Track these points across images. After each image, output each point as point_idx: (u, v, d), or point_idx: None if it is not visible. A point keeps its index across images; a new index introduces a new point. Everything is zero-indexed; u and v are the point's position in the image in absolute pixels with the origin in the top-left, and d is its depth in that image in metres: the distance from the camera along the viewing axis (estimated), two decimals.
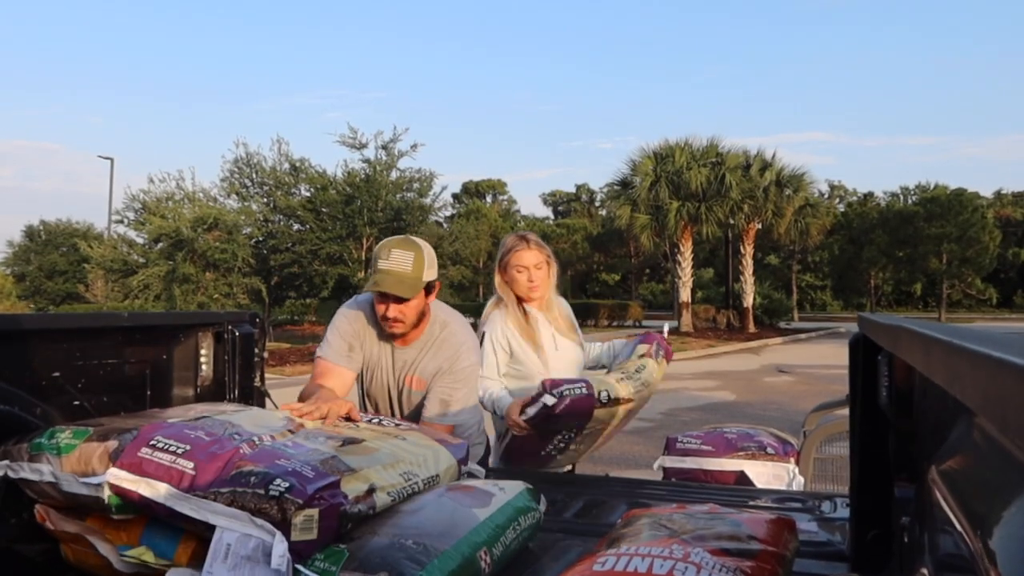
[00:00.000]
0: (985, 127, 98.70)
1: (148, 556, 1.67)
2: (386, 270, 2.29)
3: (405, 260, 2.29)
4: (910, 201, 49.35)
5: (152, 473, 1.60)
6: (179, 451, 1.62)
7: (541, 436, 2.60)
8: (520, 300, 2.87)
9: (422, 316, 2.44)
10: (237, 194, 24.35)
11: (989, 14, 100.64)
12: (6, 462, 1.89)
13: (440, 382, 2.46)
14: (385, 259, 2.30)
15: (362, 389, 2.64)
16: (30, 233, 44.73)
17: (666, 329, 3.15)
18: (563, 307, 3.01)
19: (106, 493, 1.66)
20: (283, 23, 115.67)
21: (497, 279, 2.88)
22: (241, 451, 1.61)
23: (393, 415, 2.52)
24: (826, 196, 50.55)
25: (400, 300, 2.31)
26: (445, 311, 2.58)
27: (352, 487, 1.52)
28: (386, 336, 2.46)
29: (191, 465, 1.58)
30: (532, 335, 2.81)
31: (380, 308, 2.35)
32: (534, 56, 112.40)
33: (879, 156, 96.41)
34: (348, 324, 2.50)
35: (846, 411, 2.09)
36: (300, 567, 1.42)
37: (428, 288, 2.39)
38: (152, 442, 1.65)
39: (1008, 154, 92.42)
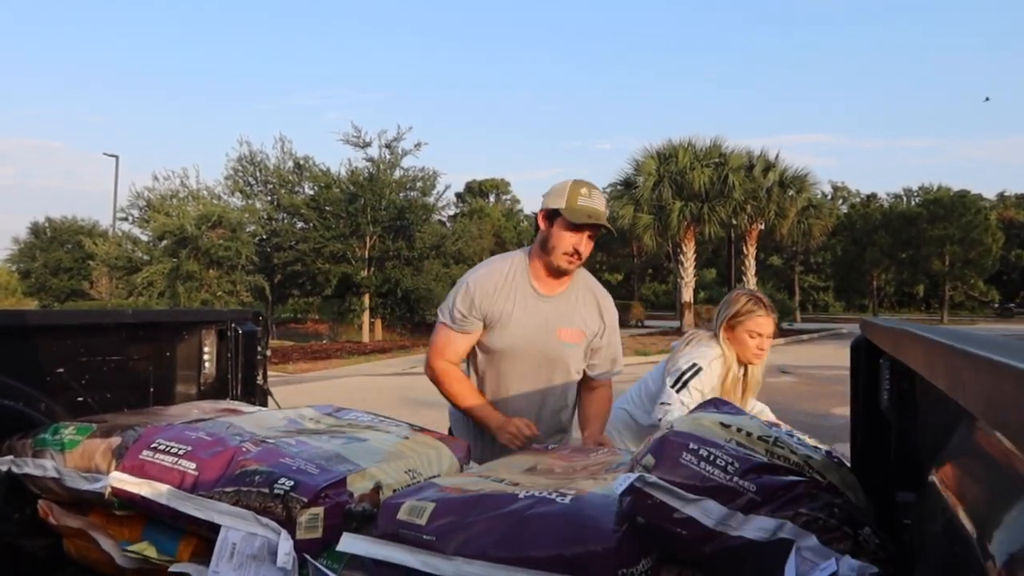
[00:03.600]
0: (987, 129, 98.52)
1: (150, 552, 1.67)
2: (597, 208, 2.35)
3: (602, 199, 2.40)
4: (913, 203, 49.27)
5: (154, 475, 1.60)
6: (181, 452, 1.62)
7: None
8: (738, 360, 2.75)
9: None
10: (241, 192, 24.41)
11: (990, 15, 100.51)
12: (10, 457, 1.90)
13: (609, 339, 2.55)
14: (587, 196, 2.35)
15: (480, 350, 2.51)
16: (35, 230, 44.81)
17: None
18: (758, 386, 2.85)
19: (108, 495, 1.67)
20: (285, 22, 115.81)
21: (723, 334, 2.73)
22: (244, 449, 1.61)
23: (526, 370, 2.45)
24: (829, 197, 50.47)
25: (596, 231, 2.39)
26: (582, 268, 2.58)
27: (358, 485, 1.52)
28: (529, 291, 2.43)
29: (193, 466, 1.58)
30: (732, 395, 2.68)
31: (571, 241, 2.35)
32: (535, 56, 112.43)
33: (880, 158, 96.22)
34: (470, 292, 2.42)
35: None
36: (310, 557, 1.42)
37: None
38: (153, 444, 1.66)
39: (1011, 156, 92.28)
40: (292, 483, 1.46)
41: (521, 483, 1.47)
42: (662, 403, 2.64)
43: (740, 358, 2.72)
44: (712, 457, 1.26)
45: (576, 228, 2.34)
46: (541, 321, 2.43)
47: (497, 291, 2.41)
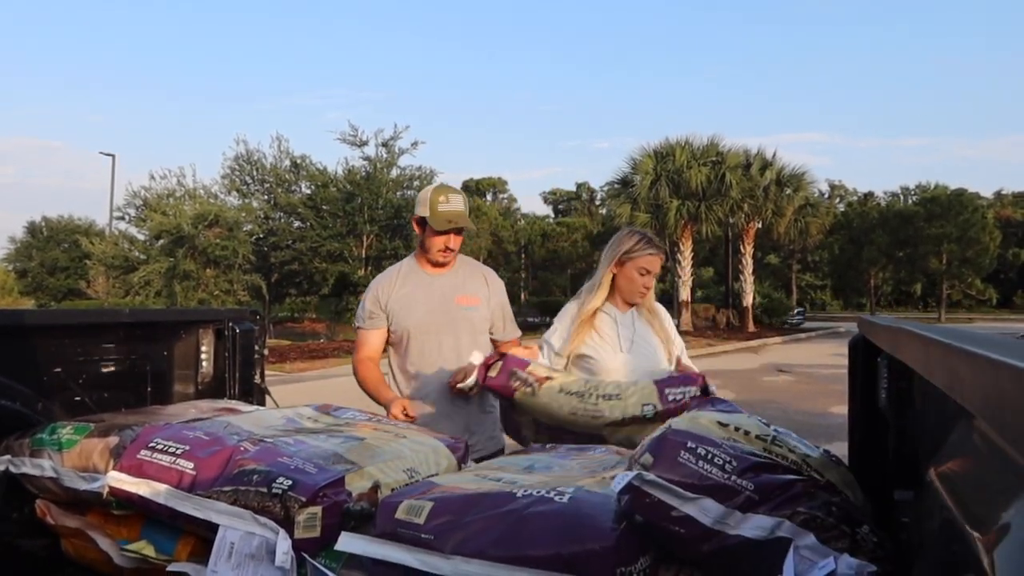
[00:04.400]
0: (983, 128, 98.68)
1: (149, 551, 1.67)
2: (458, 211, 2.74)
3: (459, 200, 2.77)
4: (910, 201, 49.35)
5: (152, 475, 1.60)
6: (178, 451, 1.62)
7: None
8: (614, 296, 2.78)
9: None
10: (238, 191, 24.36)
11: (985, 15, 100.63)
12: (7, 457, 1.90)
13: (500, 302, 2.94)
14: (446, 202, 2.73)
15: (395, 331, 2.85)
16: (32, 229, 44.73)
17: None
18: (663, 314, 2.90)
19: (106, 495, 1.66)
20: (283, 22, 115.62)
21: (607, 270, 2.75)
22: (242, 448, 1.61)
23: (437, 341, 2.78)
24: (826, 196, 50.57)
25: (461, 232, 2.77)
26: None
27: (356, 484, 1.52)
28: (419, 277, 2.83)
29: (191, 465, 1.58)
30: (584, 330, 2.71)
31: (441, 241, 2.75)
32: (534, 55, 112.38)
33: (876, 157, 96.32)
34: (371, 293, 2.86)
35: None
36: (308, 556, 1.42)
37: None
38: (151, 444, 1.66)
39: (1008, 155, 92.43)
40: (290, 482, 1.46)
41: (519, 482, 1.47)
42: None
43: (625, 296, 2.77)
44: (710, 456, 1.27)
45: (441, 232, 2.73)
46: (439, 294, 2.81)
47: (393, 283, 2.84)
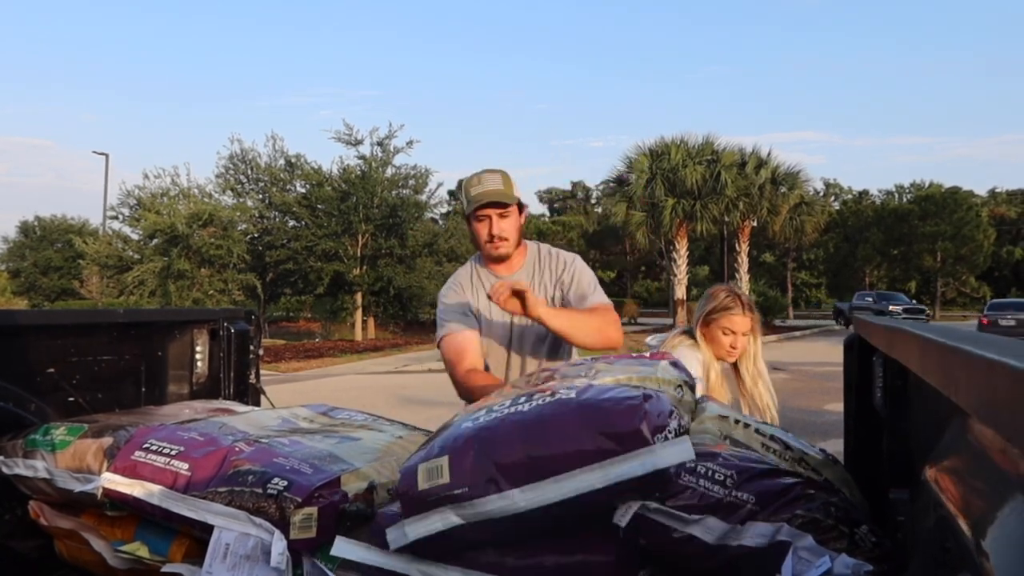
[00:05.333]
0: (977, 127, 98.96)
1: (143, 552, 1.67)
2: (483, 190, 2.35)
3: (495, 178, 2.38)
4: (905, 199, 49.47)
5: (147, 476, 1.60)
6: (173, 452, 1.61)
7: None
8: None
9: (519, 242, 2.48)
10: (232, 190, 24.30)
11: (980, 14, 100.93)
12: (0, 458, 1.89)
13: (577, 282, 2.46)
14: (477, 184, 2.37)
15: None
16: (25, 229, 44.56)
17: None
18: (764, 380, 2.75)
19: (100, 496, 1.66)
20: (277, 20, 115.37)
21: (699, 330, 2.69)
22: (237, 449, 1.61)
23: (513, 351, 2.46)
24: (821, 194, 50.64)
25: (502, 208, 2.36)
26: (540, 243, 2.60)
27: (352, 485, 1.51)
28: (486, 279, 2.48)
29: (186, 466, 1.58)
30: (719, 392, 2.62)
31: (483, 229, 2.39)
32: (529, 55, 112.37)
33: (870, 156, 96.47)
34: (450, 298, 2.49)
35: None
36: (305, 556, 1.42)
37: (520, 207, 2.44)
38: (145, 445, 1.65)
39: (1002, 153, 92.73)
40: (286, 483, 1.46)
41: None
42: None
43: (716, 355, 2.69)
44: (710, 472, 1.27)
45: (479, 217, 2.38)
46: None
47: (465, 288, 2.49)
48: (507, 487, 1.19)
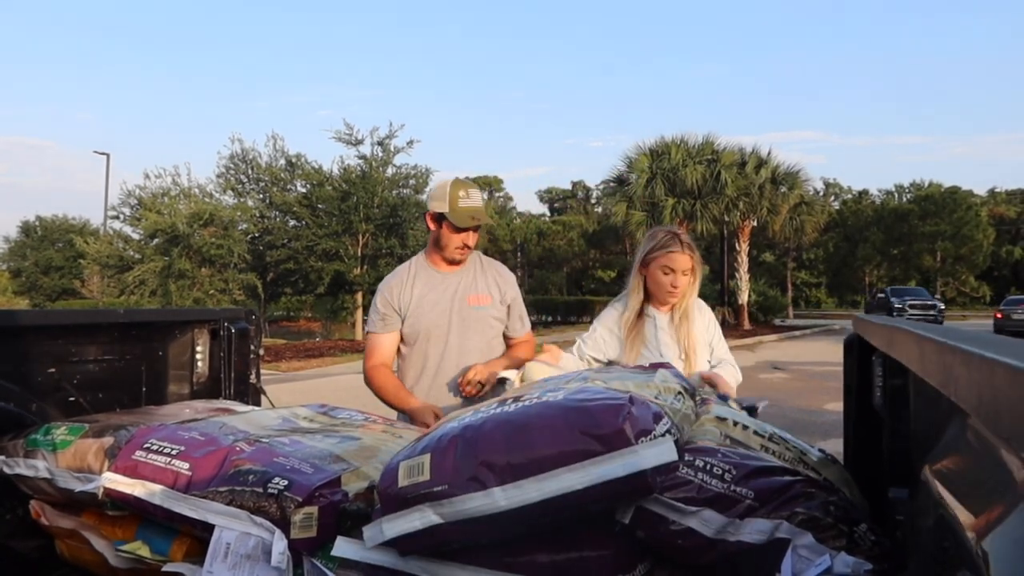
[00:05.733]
0: (977, 126, 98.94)
1: (144, 551, 1.67)
2: (476, 206, 2.65)
3: (478, 195, 2.68)
4: (904, 199, 49.47)
5: (147, 476, 1.60)
6: (174, 452, 1.61)
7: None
8: (649, 301, 2.70)
9: None
10: (233, 190, 24.29)
11: (979, 13, 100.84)
12: (1, 458, 1.89)
13: (513, 300, 2.84)
14: (466, 197, 2.63)
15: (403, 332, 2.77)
16: (26, 229, 44.60)
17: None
18: (704, 320, 2.76)
19: (101, 496, 1.66)
20: (276, 19, 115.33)
21: (634, 274, 2.71)
22: (237, 449, 1.61)
23: (448, 342, 2.71)
24: (821, 194, 50.63)
25: (478, 229, 2.69)
26: None
27: (353, 484, 1.52)
28: (431, 276, 2.75)
29: (187, 466, 1.58)
30: (638, 340, 2.63)
31: (459, 239, 2.66)
32: (529, 54, 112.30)
33: (870, 155, 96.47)
34: (382, 296, 2.75)
35: None
36: (306, 555, 1.42)
37: None
38: (146, 445, 1.65)
39: (1001, 153, 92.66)
40: (286, 482, 1.46)
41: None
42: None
43: (657, 298, 2.69)
44: (708, 466, 1.27)
45: (460, 229, 2.64)
46: (450, 293, 2.73)
47: (404, 284, 2.74)
48: (489, 485, 1.19)
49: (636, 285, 2.70)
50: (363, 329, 2.72)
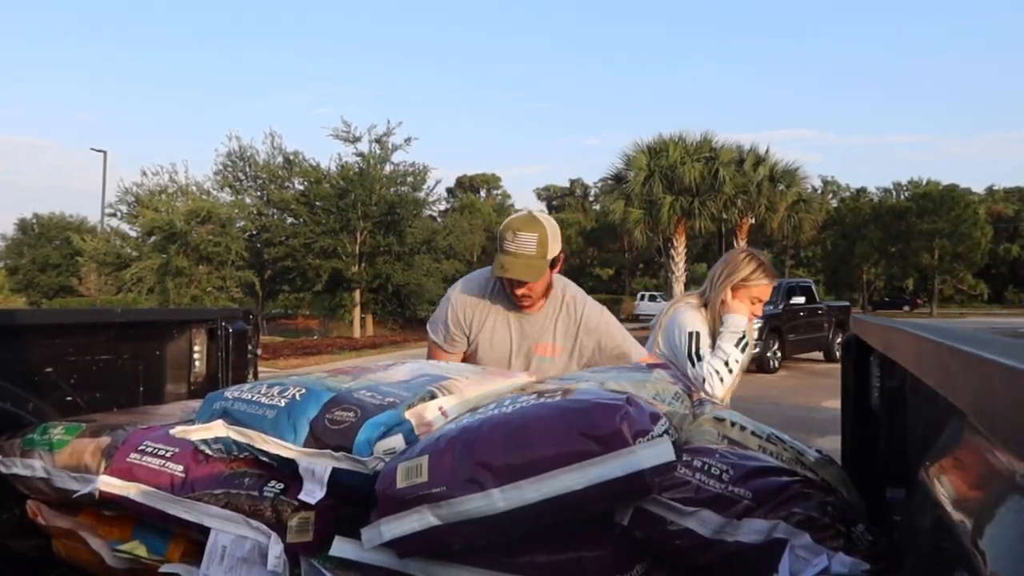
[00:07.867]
0: (975, 124, 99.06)
1: (141, 551, 1.66)
2: (514, 253, 2.25)
3: (530, 243, 2.26)
4: (902, 197, 49.51)
5: (142, 478, 1.59)
6: (168, 454, 1.60)
7: None
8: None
9: (548, 287, 2.43)
10: (230, 187, 24.27)
11: (977, 12, 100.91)
12: None
13: (607, 344, 2.46)
14: (511, 241, 2.26)
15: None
16: (23, 226, 44.55)
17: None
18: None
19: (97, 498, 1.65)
20: (277, 19, 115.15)
21: (723, 293, 2.66)
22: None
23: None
24: (819, 192, 50.67)
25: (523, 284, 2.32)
26: (563, 279, 2.55)
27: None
28: (509, 306, 2.44)
29: (181, 468, 1.57)
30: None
31: (508, 286, 2.34)
32: (527, 52, 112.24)
33: (867, 153, 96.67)
34: (454, 310, 2.46)
35: None
36: (303, 556, 1.41)
37: (553, 263, 2.36)
38: (141, 447, 1.64)
39: (999, 151, 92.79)
40: (282, 485, 1.45)
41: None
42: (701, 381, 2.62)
43: (719, 315, 2.69)
44: (706, 467, 1.27)
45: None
46: (518, 336, 2.44)
47: (477, 305, 2.44)
48: (487, 487, 1.18)
49: (714, 307, 2.68)
50: (428, 334, 2.53)
